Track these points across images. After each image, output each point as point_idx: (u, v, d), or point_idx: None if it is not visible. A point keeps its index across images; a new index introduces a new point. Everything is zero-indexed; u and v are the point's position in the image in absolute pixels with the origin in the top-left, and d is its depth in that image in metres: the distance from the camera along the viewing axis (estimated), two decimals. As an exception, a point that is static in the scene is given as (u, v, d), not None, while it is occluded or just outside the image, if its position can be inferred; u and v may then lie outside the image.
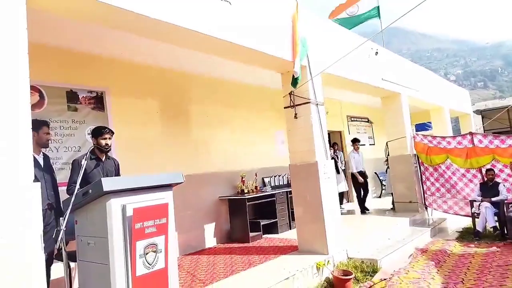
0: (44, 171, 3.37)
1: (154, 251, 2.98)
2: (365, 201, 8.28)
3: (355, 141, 8.74)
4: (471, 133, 7.40)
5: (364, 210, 8.12)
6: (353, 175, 8.40)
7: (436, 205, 7.71)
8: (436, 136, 8.04)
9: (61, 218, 2.66)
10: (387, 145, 8.41)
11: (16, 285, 2.09)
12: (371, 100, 9.71)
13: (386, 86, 7.56)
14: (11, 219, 2.11)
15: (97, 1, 2.87)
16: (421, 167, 7.97)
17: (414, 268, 4.97)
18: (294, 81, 4.85)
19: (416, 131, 12.57)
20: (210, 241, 6.31)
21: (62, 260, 2.93)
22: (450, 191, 7.55)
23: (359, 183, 8.29)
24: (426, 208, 7.85)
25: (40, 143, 3.40)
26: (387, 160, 8.65)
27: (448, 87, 12.27)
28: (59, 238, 2.62)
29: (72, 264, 3.34)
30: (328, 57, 5.45)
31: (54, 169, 4.24)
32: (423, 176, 7.94)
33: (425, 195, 7.87)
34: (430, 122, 13.02)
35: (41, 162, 3.37)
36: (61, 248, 2.73)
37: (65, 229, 2.67)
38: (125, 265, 2.83)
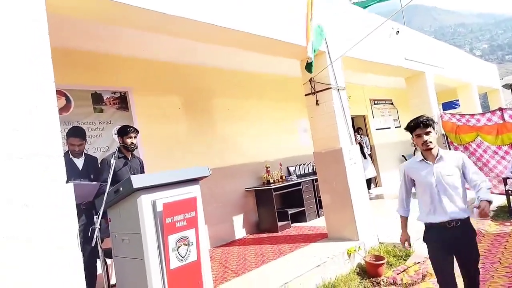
0: (81, 173, 3.51)
1: (186, 244, 3.04)
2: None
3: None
4: (500, 109, 7.11)
5: None
6: None
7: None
8: (464, 114, 7.77)
9: (95, 217, 2.75)
10: (414, 127, 8.20)
11: (56, 281, 2.18)
12: (395, 81, 9.47)
13: (410, 65, 7.35)
14: (47, 218, 2.19)
15: (114, 1, 2.91)
16: (451, 147, 7.73)
17: (448, 250, 4.86)
18: (308, 67, 4.80)
19: (443, 110, 12.20)
20: (240, 232, 6.38)
21: (99, 257, 3.03)
22: (483, 170, 7.29)
23: None
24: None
25: (71, 151, 3.57)
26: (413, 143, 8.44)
27: (474, 62, 11.81)
28: (95, 236, 2.71)
29: (108, 261, 3.44)
30: (347, 40, 5.35)
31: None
32: (453, 156, 7.70)
33: None
34: (457, 100, 12.59)
35: (80, 165, 3.50)
36: (97, 246, 2.82)
37: (99, 227, 2.75)
38: (159, 259, 2.90)
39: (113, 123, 4.84)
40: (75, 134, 3.56)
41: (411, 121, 2.75)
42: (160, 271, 2.89)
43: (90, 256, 3.32)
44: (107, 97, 4.86)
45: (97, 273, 3.66)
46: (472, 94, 10.69)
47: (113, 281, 3.68)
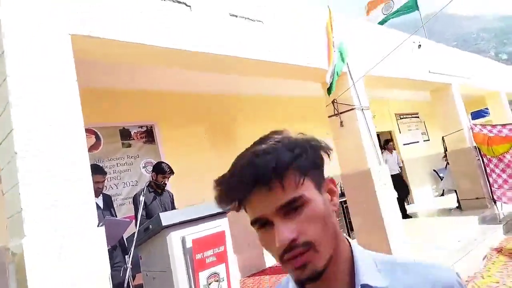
0: (104, 211, 3.55)
1: (217, 281, 3.02)
2: (402, 204, 7.80)
3: (387, 142, 8.47)
4: (536, 117, 6.82)
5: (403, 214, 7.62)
6: None
7: (506, 198, 7.12)
8: (496, 125, 7.48)
9: (126, 256, 2.78)
10: (444, 140, 7.94)
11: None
12: (420, 94, 9.28)
13: (434, 78, 7.19)
14: (81, 262, 2.22)
15: (139, 44, 3.02)
16: (484, 159, 7.43)
17: (491, 271, 4.61)
18: (328, 90, 4.79)
19: (472, 120, 11.82)
20: (270, 259, 6.27)
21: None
22: (519, 182, 6.96)
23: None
24: (495, 203, 7.27)
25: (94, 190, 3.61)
26: (445, 156, 8.17)
27: (501, 68, 11.44)
28: (127, 276, 2.73)
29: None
30: (368, 58, 5.31)
31: (115, 205, 4.47)
32: (487, 168, 7.39)
33: (492, 189, 7.31)
34: (487, 108, 12.17)
35: (101, 204, 3.55)
36: (129, 285, 2.84)
37: (131, 266, 2.78)
38: (191, 295, 2.89)
39: (140, 157, 4.94)
40: (98, 171, 3.48)
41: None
42: (192, 308, 2.87)
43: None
44: (135, 132, 4.98)
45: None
46: (502, 101, 10.32)
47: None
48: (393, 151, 8.31)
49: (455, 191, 7.90)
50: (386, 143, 8.35)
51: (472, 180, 7.36)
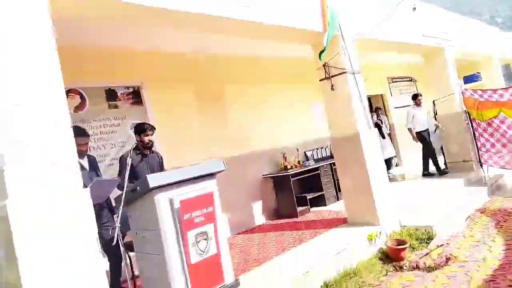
0: (89, 172, 3.52)
1: (205, 239, 3.07)
2: (435, 163, 7.65)
3: (415, 97, 7.89)
4: (526, 82, 6.82)
5: (438, 171, 7.62)
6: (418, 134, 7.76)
7: (492, 162, 7.26)
8: (486, 90, 7.47)
9: (115, 216, 2.79)
10: (434, 104, 7.95)
11: (76, 280, 2.23)
12: (413, 58, 9.18)
13: (427, 42, 7.09)
14: (68, 223, 2.23)
15: (120, 1, 2.88)
16: (473, 124, 7.49)
17: (473, 231, 4.78)
18: (320, 53, 4.70)
19: (464, 84, 11.80)
20: (259, 218, 6.41)
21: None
22: (507, 146, 7.06)
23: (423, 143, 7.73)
24: (481, 166, 7.43)
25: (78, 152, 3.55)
26: (435, 120, 8.21)
27: (495, 33, 11.31)
28: (115, 234, 2.76)
29: (132, 253, 3.51)
30: (361, 21, 5.18)
31: (103, 165, 4.46)
32: (475, 132, 7.47)
33: (480, 152, 7.42)
34: (479, 73, 12.14)
35: (86, 165, 3.51)
36: (119, 243, 2.87)
37: (120, 225, 2.80)
38: (180, 254, 2.94)
39: (128, 118, 4.87)
40: (80, 133, 3.37)
41: None
42: (181, 265, 2.94)
43: (114, 251, 3.39)
44: (121, 93, 4.88)
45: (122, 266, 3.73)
46: (495, 66, 10.30)
47: (137, 272, 3.76)
48: (421, 106, 7.76)
49: (443, 153, 8.02)
50: (415, 97, 7.84)
51: (460, 144, 7.45)
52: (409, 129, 7.81)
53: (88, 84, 4.53)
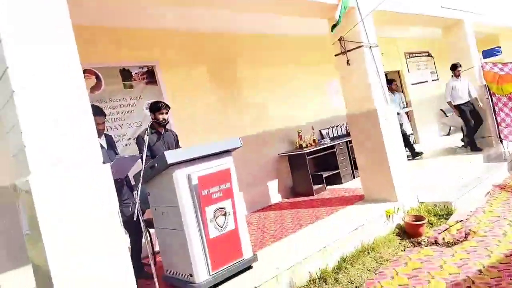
0: (108, 151, 3.56)
1: (223, 215, 3.10)
2: (472, 135, 7.22)
3: (454, 67, 7.26)
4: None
5: (470, 144, 7.28)
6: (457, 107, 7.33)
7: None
8: (507, 63, 7.23)
9: (134, 192, 2.83)
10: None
11: (100, 254, 2.29)
12: (431, 32, 8.89)
13: (447, 14, 6.84)
14: (89, 200, 2.27)
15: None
16: (493, 98, 7.28)
17: (493, 206, 4.71)
18: (334, 26, 4.59)
19: (483, 58, 11.43)
20: (275, 197, 6.44)
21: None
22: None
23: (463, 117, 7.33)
24: (502, 141, 7.25)
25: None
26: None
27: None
28: (136, 210, 2.80)
29: (152, 230, 3.59)
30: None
31: (121, 145, 4.52)
32: (495, 107, 7.27)
33: (500, 128, 7.24)
34: (499, 47, 11.73)
35: (104, 144, 3.55)
36: (139, 218, 2.92)
37: (139, 201, 2.84)
38: (198, 229, 2.99)
39: (143, 98, 4.89)
40: (98, 112, 3.40)
41: None
42: (200, 240, 2.99)
43: (134, 228, 3.45)
44: (136, 73, 4.88)
45: (142, 243, 3.81)
46: (516, 39, 9.90)
47: (157, 248, 3.85)
48: (461, 78, 7.23)
49: (461, 129, 7.84)
50: (454, 67, 7.23)
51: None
52: (449, 103, 7.40)
53: (103, 64, 4.54)
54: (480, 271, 3.10)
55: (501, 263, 3.16)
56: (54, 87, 2.27)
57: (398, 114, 7.57)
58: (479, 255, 3.42)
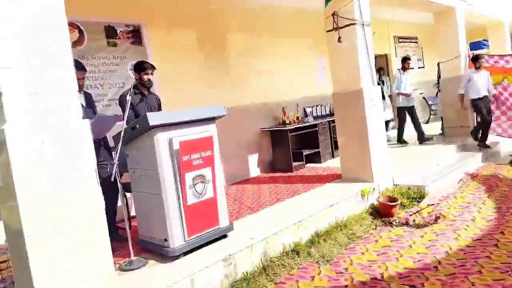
0: (86, 109, 3.44)
1: (203, 182, 3.08)
2: (486, 131, 6.82)
3: (476, 58, 6.87)
4: (534, 49, 6.67)
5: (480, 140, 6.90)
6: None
7: (490, 129, 7.28)
8: (493, 55, 7.35)
9: (113, 153, 2.77)
10: (439, 66, 7.80)
11: (76, 213, 2.24)
12: (422, 17, 8.87)
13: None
14: (67, 152, 2.20)
15: None
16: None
17: (464, 193, 4.86)
18: (326, 0, 4.52)
19: (470, 50, 11.58)
20: (254, 171, 6.46)
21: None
22: (506, 114, 7.06)
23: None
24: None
25: None
26: (438, 83, 8.10)
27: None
28: (113, 172, 2.75)
29: (128, 194, 3.54)
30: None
31: (101, 105, 4.39)
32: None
33: (498, 122, 7.38)
34: (486, 40, 11.85)
35: (83, 102, 3.42)
36: (116, 180, 2.87)
37: (118, 162, 2.79)
38: (176, 195, 2.97)
39: (127, 58, 4.72)
40: (78, 66, 3.13)
41: None
42: (177, 206, 2.98)
43: (110, 190, 3.40)
44: (121, 31, 4.69)
45: (117, 206, 3.77)
46: (504, 33, 10.01)
47: (133, 213, 3.82)
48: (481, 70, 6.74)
49: (441, 118, 7.98)
50: (476, 59, 6.80)
51: (459, 109, 7.39)
52: (460, 95, 6.83)
53: (87, 18, 4.33)
54: (447, 252, 3.23)
55: (467, 246, 3.29)
56: (32, 33, 2.15)
57: (409, 95, 7.40)
58: (447, 238, 3.55)
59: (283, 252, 3.41)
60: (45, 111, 2.15)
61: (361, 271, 3.05)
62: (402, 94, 7.30)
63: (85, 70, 3.42)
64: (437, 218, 4.11)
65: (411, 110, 7.42)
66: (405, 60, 7.54)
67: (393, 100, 8.48)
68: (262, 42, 6.71)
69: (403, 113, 7.46)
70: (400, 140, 7.50)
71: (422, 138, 7.40)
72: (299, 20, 7.33)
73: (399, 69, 7.58)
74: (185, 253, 3.00)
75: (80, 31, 4.28)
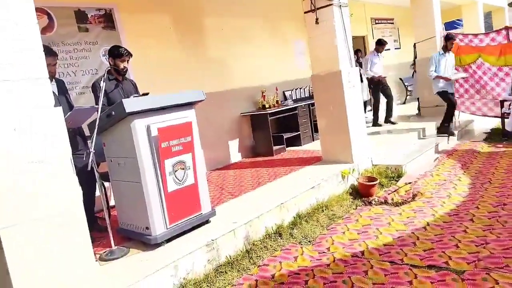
0: (59, 96, 3.32)
1: (183, 168, 3.05)
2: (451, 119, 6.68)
3: (381, 43, 7.33)
4: (506, 28, 6.80)
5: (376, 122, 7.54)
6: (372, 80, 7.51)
7: (464, 107, 7.46)
8: (467, 34, 7.46)
9: (89, 141, 2.69)
10: (415, 47, 7.90)
11: (54, 203, 2.19)
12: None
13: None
14: (41, 143, 2.13)
15: None
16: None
17: (440, 170, 4.99)
18: None
19: (445, 30, 11.76)
20: (235, 156, 6.45)
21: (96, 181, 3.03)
22: (480, 92, 7.22)
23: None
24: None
25: None
26: (414, 64, 8.21)
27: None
28: (90, 161, 2.68)
29: (106, 184, 3.47)
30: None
31: (74, 93, 4.25)
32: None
33: (461, 99, 7.54)
34: (460, 20, 12.07)
35: (55, 89, 3.29)
36: (93, 169, 2.80)
37: (94, 151, 2.71)
38: (157, 182, 2.93)
39: (100, 43, 4.57)
40: (48, 52, 3.00)
41: None
42: (158, 193, 2.94)
43: (87, 180, 3.32)
44: (92, 15, 4.52)
45: (96, 196, 3.70)
46: (477, 12, 10.21)
47: (112, 203, 3.76)
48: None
49: (417, 98, 8.12)
50: (448, 38, 6.61)
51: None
52: (436, 78, 6.55)
53: (56, 3, 4.15)
54: (424, 228, 3.32)
55: (444, 222, 3.40)
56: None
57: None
58: (424, 214, 3.65)
59: (265, 235, 3.44)
60: (16, 99, 2.06)
61: (343, 249, 3.11)
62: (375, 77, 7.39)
63: (56, 55, 3.29)
64: (414, 195, 4.22)
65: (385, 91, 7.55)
66: (382, 44, 7.50)
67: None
68: (239, 25, 6.61)
69: (377, 93, 7.58)
70: (377, 122, 7.62)
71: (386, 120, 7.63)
72: (277, 2, 7.24)
73: (372, 51, 7.62)
74: (168, 240, 2.98)
75: (49, 17, 4.10)
